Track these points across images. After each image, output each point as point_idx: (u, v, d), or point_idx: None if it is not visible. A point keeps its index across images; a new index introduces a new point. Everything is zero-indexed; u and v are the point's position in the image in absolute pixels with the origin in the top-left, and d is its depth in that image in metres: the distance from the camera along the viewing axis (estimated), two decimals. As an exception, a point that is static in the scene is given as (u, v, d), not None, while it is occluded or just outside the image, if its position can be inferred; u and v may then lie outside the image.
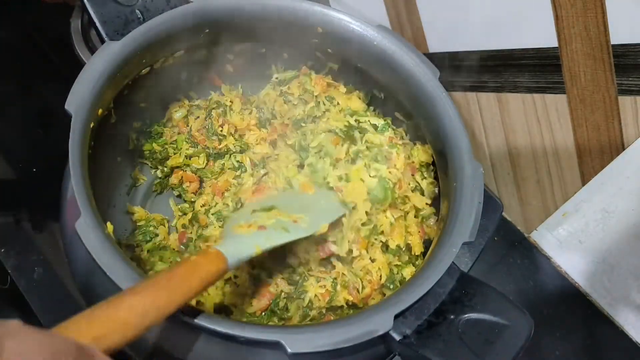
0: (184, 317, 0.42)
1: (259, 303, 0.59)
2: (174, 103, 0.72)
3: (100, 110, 0.53)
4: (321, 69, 0.71)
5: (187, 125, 0.71)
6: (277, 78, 0.73)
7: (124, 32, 0.56)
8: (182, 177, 0.70)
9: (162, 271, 0.41)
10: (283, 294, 0.59)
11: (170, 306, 0.38)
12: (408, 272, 0.62)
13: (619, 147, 0.71)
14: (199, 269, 0.42)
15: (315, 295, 0.59)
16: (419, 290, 0.46)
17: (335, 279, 0.60)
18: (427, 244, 0.64)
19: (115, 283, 0.41)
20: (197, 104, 0.72)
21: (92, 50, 0.76)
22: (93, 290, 0.51)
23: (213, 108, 0.71)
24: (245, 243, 0.49)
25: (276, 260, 0.61)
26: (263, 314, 0.59)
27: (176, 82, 0.68)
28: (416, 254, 0.63)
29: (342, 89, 0.71)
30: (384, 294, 0.61)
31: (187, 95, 0.73)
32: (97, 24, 0.56)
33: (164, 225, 0.68)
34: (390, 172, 0.63)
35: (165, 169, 0.71)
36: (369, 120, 0.67)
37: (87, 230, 0.43)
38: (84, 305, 0.59)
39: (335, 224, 0.59)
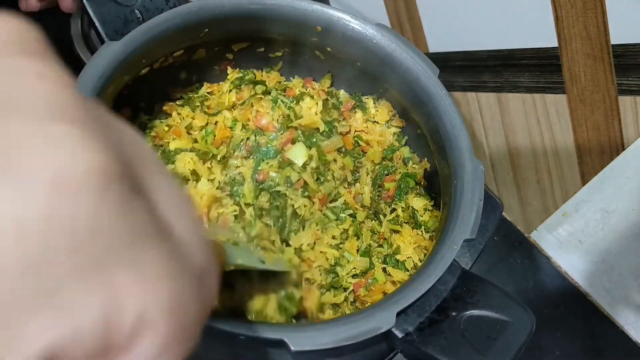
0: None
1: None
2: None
3: (100, 111, 0.53)
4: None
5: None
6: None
7: (123, 32, 0.55)
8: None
9: None
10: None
11: None
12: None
13: (619, 147, 0.72)
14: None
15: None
16: (421, 288, 0.45)
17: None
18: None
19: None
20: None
21: (92, 50, 0.75)
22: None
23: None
24: (234, 252, 0.49)
25: None
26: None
27: (176, 82, 0.68)
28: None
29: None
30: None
31: (186, 94, 0.72)
32: (97, 24, 0.56)
33: None
34: None
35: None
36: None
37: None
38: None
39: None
